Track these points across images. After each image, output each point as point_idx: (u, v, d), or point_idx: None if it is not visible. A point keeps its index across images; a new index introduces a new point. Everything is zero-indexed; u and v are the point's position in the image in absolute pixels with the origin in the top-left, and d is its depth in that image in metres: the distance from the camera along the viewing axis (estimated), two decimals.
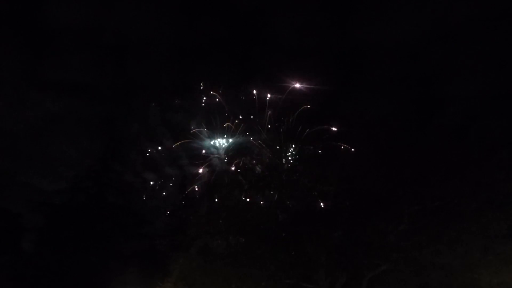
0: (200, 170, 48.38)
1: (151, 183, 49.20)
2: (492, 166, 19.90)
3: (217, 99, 51.33)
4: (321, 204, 23.30)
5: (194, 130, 50.20)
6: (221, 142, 49.46)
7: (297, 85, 49.37)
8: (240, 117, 50.77)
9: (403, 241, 20.20)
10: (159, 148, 51.15)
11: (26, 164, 44.18)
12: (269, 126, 50.04)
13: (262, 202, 24.25)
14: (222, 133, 50.54)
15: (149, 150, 51.01)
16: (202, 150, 49.74)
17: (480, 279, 19.59)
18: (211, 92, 51.42)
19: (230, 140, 49.25)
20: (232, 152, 48.66)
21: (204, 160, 49.04)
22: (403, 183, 20.44)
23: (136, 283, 27.75)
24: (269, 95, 51.54)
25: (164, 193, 48.35)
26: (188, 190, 44.58)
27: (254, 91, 51.80)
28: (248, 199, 24.34)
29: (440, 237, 19.60)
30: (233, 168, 42.55)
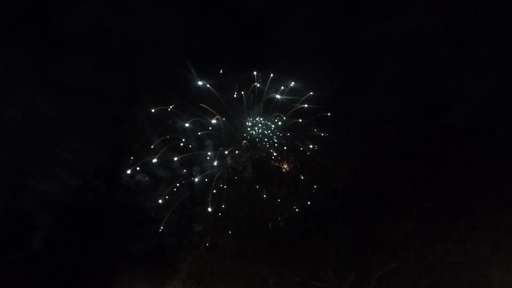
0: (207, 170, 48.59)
1: (159, 182, 49.40)
2: (502, 163, 19.73)
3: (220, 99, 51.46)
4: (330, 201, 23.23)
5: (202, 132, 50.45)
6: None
7: (306, 85, 49.42)
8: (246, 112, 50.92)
9: (412, 239, 20.09)
10: (166, 148, 51.31)
11: (36, 164, 44.62)
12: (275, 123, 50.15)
13: (269, 200, 24.26)
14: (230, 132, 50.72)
15: (157, 150, 51.21)
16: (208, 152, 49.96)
17: (491, 277, 19.42)
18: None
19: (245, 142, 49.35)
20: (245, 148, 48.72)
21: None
22: (412, 180, 20.31)
23: (145, 281, 27.88)
24: (278, 96, 51.65)
25: (172, 192, 48.50)
26: (197, 188, 44.76)
27: (259, 91, 51.91)
28: (255, 197, 24.40)
29: (450, 235, 19.45)
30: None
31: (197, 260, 22.62)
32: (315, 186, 23.55)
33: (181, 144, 49.80)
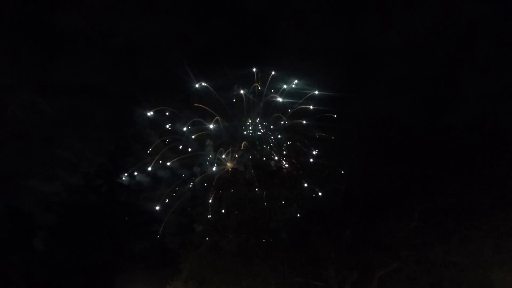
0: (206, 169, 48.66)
1: (160, 183, 49.48)
2: (504, 163, 19.69)
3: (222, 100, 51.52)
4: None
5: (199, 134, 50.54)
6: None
7: (307, 85, 49.45)
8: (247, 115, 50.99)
9: (414, 239, 20.07)
10: (166, 149, 51.37)
11: (37, 164, 44.73)
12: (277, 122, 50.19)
13: (270, 200, 24.25)
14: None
15: (158, 150, 51.26)
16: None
17: (492, 277, 19.37)
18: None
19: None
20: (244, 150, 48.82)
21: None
22: (414, 180, 20.30)
23: (146, 281, 27.85)
24: (280, 99, 51.69)
25: (173, 192, 48.55)
26: (198, 188, 44.83)
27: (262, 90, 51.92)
28: (256, 197, 24.39)
29: (452, 235, 19.44)
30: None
31: (198, 259, 22.59)
32: (315, 188, 23.55)
33: (180, 147, 49.94)
